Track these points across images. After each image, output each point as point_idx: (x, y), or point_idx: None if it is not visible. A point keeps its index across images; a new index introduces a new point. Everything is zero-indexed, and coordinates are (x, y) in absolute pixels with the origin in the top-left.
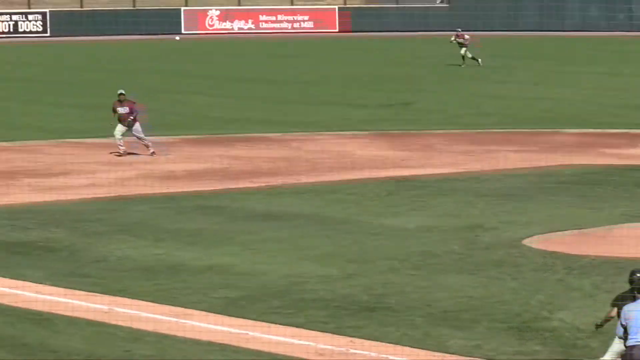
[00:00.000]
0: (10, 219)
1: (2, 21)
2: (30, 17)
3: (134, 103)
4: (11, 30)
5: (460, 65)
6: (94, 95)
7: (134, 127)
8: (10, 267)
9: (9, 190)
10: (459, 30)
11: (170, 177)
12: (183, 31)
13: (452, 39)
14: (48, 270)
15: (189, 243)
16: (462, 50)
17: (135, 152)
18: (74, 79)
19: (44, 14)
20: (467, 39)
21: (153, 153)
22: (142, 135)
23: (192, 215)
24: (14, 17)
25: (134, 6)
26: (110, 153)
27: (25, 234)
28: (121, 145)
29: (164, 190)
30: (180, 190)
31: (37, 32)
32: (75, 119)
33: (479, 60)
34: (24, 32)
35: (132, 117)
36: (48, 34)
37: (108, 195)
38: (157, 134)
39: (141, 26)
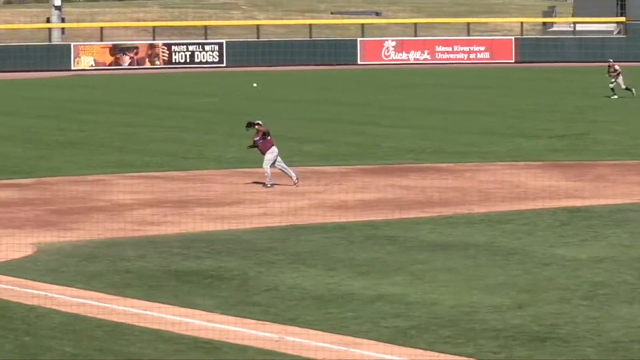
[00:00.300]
0: (183, 247)
1: (179, 52)
2: (207, 47)
3: (264, 133)
4: (188, 60)
5: (609, 97)
6: (269, 125)
7: (275, 159)
8: (181, 296)
9: (181, 219)
10: (611, 60)
11: (342, 206)
12: (359, 62)
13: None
14: (219, 299)
15: (360, 272)
16: (612, 80)
17: (280, 182)
18: (249, 109)
19: (220, 45)
20: (616, 70)
21: (296, 184)
22: (284, 166)
23: (364, 245)
24: (191, 48)
25: (310, 37)
26: (273, 185)
27: (197, 262)
28: (269, 177)
29: (336, 220)
30: (352, 219)
31: (213, 62)
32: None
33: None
34: (200, 62)
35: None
36: (224, 64)
37: (280, 224)
38: (331, 163)
39: (317, 57)
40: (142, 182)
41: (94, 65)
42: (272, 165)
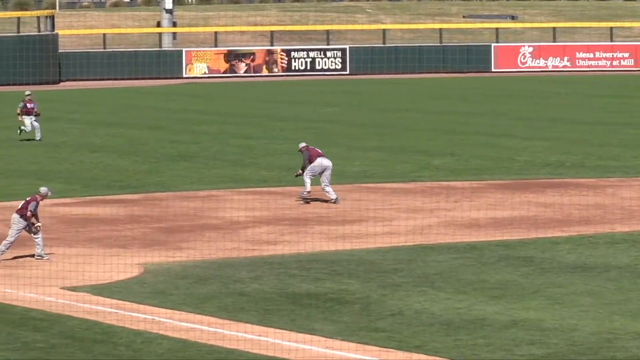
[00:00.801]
0: (301, 268)
1: (299, 58)
2: (328, 53)
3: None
4: (308, 67)
5: None
6: (396, 137)
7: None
8: (298, 320)
9: (299, 238)
10: None
11: (474, 225)
12: (493, 69)
13: None
14: (339, 324)
15: (492, 296)
16: None
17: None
18: (374, 120)
19: (343, 50)
20: None
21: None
22: (327, 185)
23: (497, 266)
24: (311, 54)
25: (440, 42)
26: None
27: (316, 284)
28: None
29: (467, 239)
30: (484, 239)
31: (335, 69)
32: (374, 163)
33: None
34: (322, 69)
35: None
36: (347, 72)
37: (406, 243)
38: (462, 178)
39: (447, 63)
40: (258, 198)
41: (207, 72)
42: (315, 175)
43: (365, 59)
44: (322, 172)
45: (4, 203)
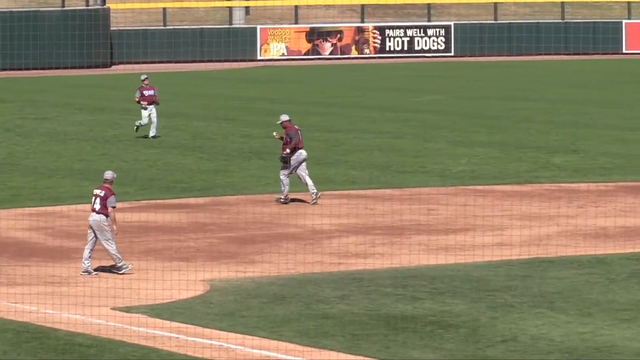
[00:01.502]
0: (396, 286)
1: (394, 37)
2: (429, 31)
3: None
4: (405, 48)
5: None
6: (509, 130)
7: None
8: (393, 347)
9: (394, 250)
10: None
11: (601, 235)
12: (624, 49)
13: None
14: (442, 352)
15: (622, 319)
16: None
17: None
18: (483, 110)
19: (447, 28)
20: None
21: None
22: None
23: (628, 284)
24: (409, 32)
25: (562, 18)
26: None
27: (414, 305)
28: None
29: (592, 252)
30: (612, 251)
31: (437, 50)
32: (482, 161)
33: None
34: (422, 50)
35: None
36: (451, 53)
37: (521, 257)
38: (587, 179)
39: (570, 43)
40: (346, 202)
41: (285, 53)
42: (292, 172)
43: (473, 38)
44: (299, 166)
45: (46, 208)
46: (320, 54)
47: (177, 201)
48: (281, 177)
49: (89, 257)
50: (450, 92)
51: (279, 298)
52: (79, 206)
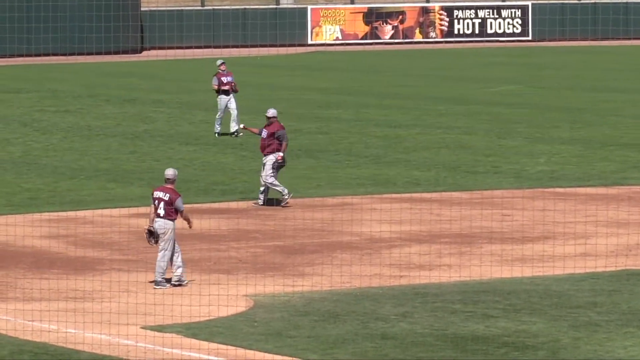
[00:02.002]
0: (466, 302)
1: (464, 19)
2: (504, 12)
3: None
4: (476, 31)
5: None
6: (594, 125)
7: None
8: None
9: (463, 261)
10: None
11: None
12: None
13: None
14: None
15: None
16: None
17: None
18: (564, 102)
19: (523, 9)
20: None
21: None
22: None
23: None
24: (481, 13)
25: None
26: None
27: (487, 324)
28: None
29: None
30: None
31: (513, 33)
32: (564, 160)
33: None
34: (495, 33)
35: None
36: (529, 37)
37: (607, 269)
38: None
39: None
40: (408, 207)
41: (340, 38)
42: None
43: (553, 20)
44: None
45: (67, 213)
46: (380, 38)
47: (216, 205)
48: (270, 180)
49: (181, 265)
50: (527, 82)
51: (332, 316)
52: (105, 211)
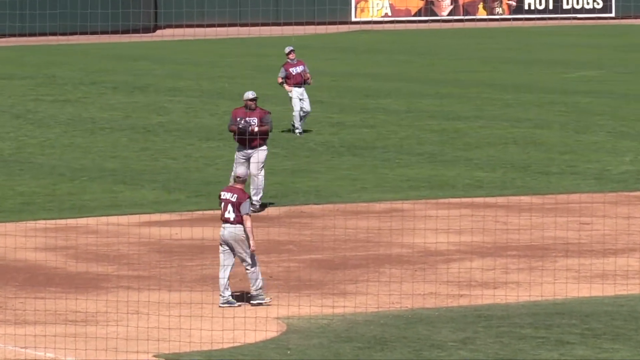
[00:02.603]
0: (537, 326)
1: None
2: None
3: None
4: (550, 6)
5: None
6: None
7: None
8: None
9: (534, 277)
10: None
11: None
12: None
13: None
14: None
15: None
16: None
17: None
18: None
19: None
20: None
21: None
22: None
23: None
24: None
25: None
26: None
27: (561, 351)
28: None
29: None
30: None
31: (593, 9)
32: None
33: None
34: (572, 9)
35: None
36: (611, 14)
37: None
38: None
39: None
40: (469, 213)
41: (389, 14)
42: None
43: None
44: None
45: (67, 221)
46: (436, 15)
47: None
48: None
49: (228, 284)
50: (610, 66)
51: (380, 342)
52: (111, 218)
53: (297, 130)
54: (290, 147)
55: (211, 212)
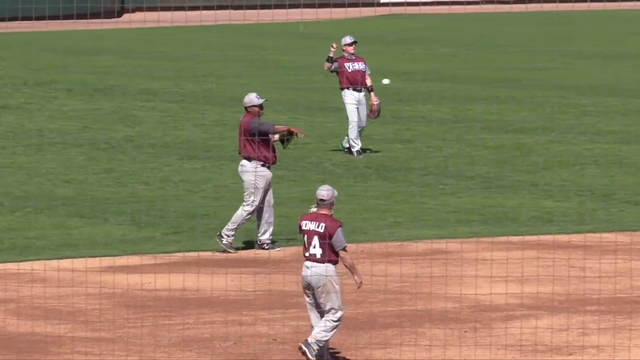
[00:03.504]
0: None
1: None
2: None
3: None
4: None
5: None
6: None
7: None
8: None
9: (621, 340)
10: None
11: None
12: None
13: None
14: None
15: None
16: None
17: None
18: None
19: None
20: None
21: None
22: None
23: None
24: None
25: None
26: None
27: None
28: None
29: None
30: None
31: None
32: None
33: None
34: None
35: None
36: None
37: None
38: None
39: None
40: (535, 256)
41: None
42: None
43: None
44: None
45: (6, 265)
46: None
47: (236, 254)
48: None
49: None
50: None
51: None
52: (64, 262)
53: (354, 149)
54: (300, 169)
55: (194, 254)
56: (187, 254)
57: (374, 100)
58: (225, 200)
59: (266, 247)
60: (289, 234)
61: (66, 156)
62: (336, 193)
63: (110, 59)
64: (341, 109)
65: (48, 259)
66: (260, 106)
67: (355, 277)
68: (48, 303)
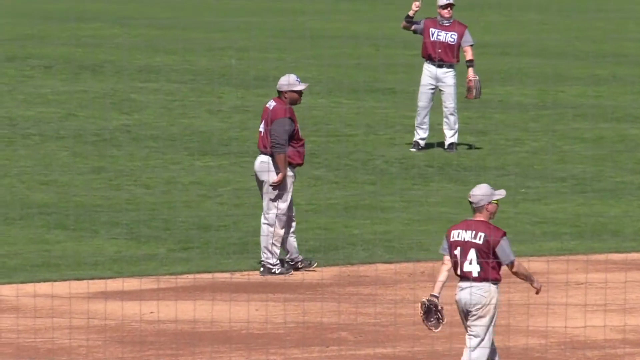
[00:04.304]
0: None
1: None
2: None
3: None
4: None
5: None
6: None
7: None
8: None
9: None
10: None
11: None
12: None
13: None
14: None
15: None
16: None
17: None
18: None
19: None
20: None
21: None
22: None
23: None
24: None
25: None
26: None
27: None
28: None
29: None
30: None
31: None
32: None
33: None
34: None
35: None
36: None
37: None
38: None
39: None
40: (638, 279)
41: None
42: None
43: None
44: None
45: None
46: None
47: (262, 278)
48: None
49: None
50: None
51: None
52: (42, 286)
53: (419, 138)
54: (344, 168)
55: (207, 276)
56: (198, 275)
57: (470, 76)
58: (247, 208)
59: (300, 266)
60: (328, 250)
61: (44, 152)
62: (497, 192)
63: (100, 26)
64: (396, 92)
65: (22, 282)
66: (301, 93)
67: (535, 284)
68: (22, 338)
